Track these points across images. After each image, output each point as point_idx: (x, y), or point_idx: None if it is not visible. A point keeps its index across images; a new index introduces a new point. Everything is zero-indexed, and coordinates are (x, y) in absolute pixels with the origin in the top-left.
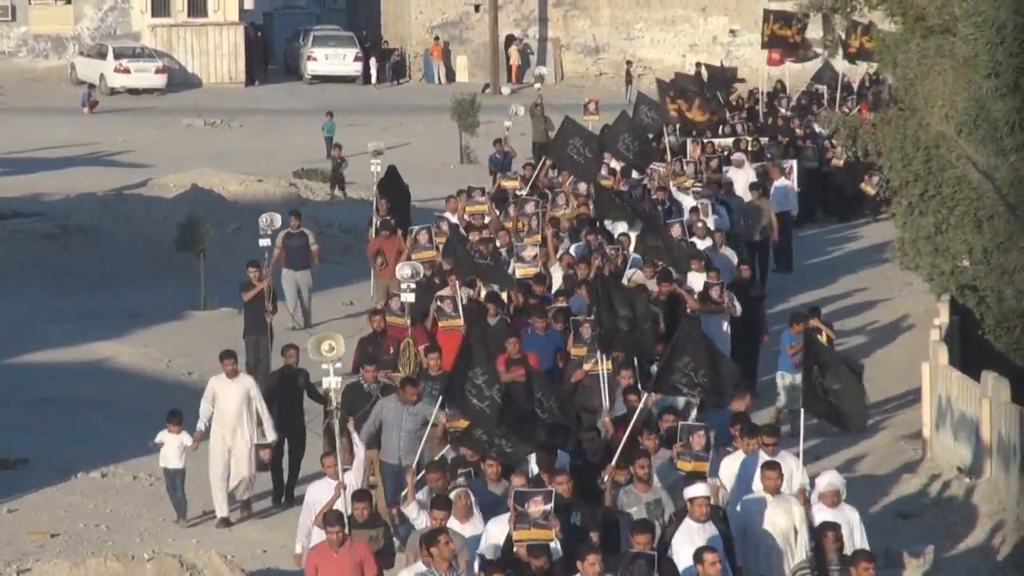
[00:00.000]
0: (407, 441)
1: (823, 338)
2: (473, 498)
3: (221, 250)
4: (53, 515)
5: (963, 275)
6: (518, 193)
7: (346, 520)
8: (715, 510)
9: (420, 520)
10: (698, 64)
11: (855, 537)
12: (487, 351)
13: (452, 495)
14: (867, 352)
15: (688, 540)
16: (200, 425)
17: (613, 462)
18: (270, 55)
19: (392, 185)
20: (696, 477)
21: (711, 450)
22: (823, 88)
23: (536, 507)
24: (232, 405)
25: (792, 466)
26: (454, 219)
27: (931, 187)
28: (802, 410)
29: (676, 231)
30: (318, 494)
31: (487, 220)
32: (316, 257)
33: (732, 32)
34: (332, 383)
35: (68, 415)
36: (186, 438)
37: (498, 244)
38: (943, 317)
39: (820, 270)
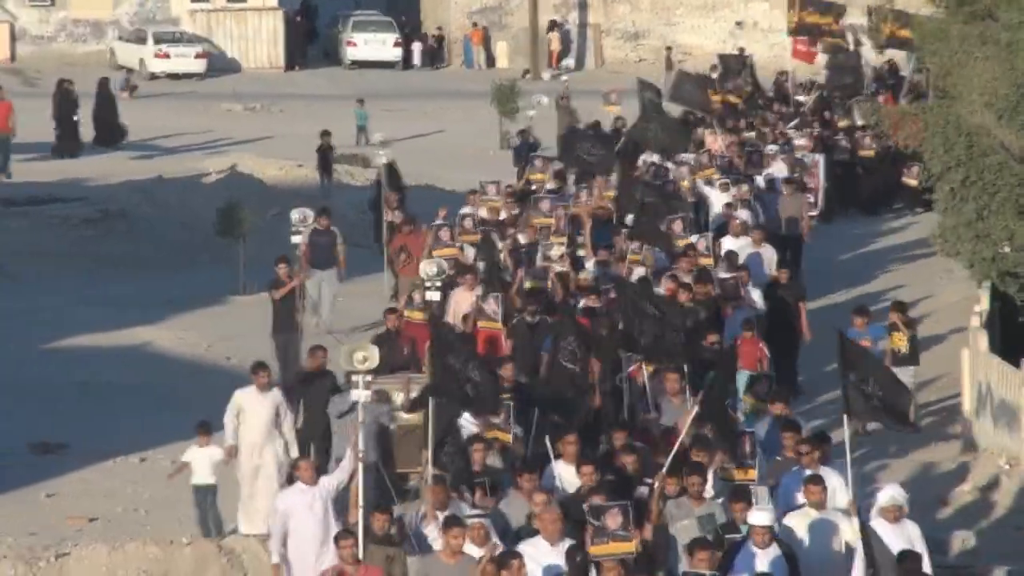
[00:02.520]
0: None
1: (903, 336)
2: (490, 526)
3: (260, 235)
4: (92, 500)
5: (1004, 261)
6: (548, 187)
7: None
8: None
9: (439, 542)
10: (740, 50)
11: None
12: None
13: (471, 524)
14: None
15: (748, 568)
16: (230, 439)
17: (664, 470)
18: (315, 37)
19: (392, 182)
20: (745, 491)
21: (757, 456)
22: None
23: (614, 520)
24: (262, 421)
25: (835, 483)
26: (483, 213)
27: (972, 173)
28: (845, 419)
29: (678, 227)
30: (289, 502)
31: (502, 216)
32: (342, 261)
33: (738, 24)
34: (361, 396)
35: (107, 400)
36: (216, 452)
37: (522, 241)
38: (983, 303)
39: (856, 264)
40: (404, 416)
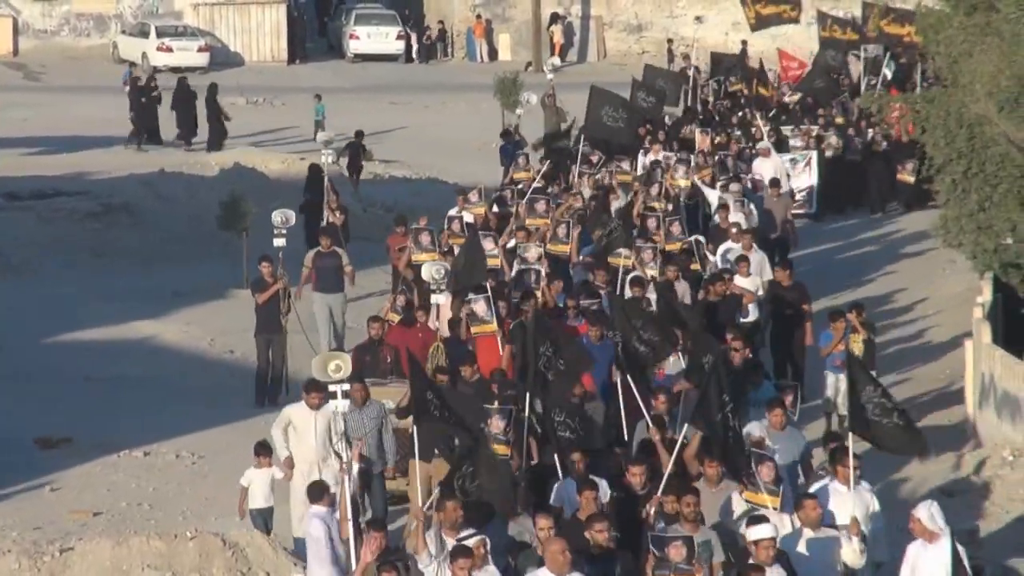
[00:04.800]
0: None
1: (860, 338)
2: (489, 545)
3: (263, 229)
4: (96, 494)
5: (1006, 253)
6: (533, 185)
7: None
8: (780, 554)
9: (431, 569)
10: (743, 43)
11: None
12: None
13: (471, 543)
14: (907, 329)
15: None
16: (283, 452)
17: (659, 491)
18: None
19: (316, 185)
20: (761, 517)
21: (782, 484)
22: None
23: (677, 553)
24: (316, 438)
25: (868, 499)
26: (469, 218)
27: (974, 165)
28: (850, 437)
29: (676, 229)
30: (323, 529)
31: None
32: (350, 279)
33: (698, 19)
34: (340, 407)
35: (111, 394)
36: (276, 472)
37: (514, 243)
38: (986, 295)
39: (854, 264)
40: (395, 420)
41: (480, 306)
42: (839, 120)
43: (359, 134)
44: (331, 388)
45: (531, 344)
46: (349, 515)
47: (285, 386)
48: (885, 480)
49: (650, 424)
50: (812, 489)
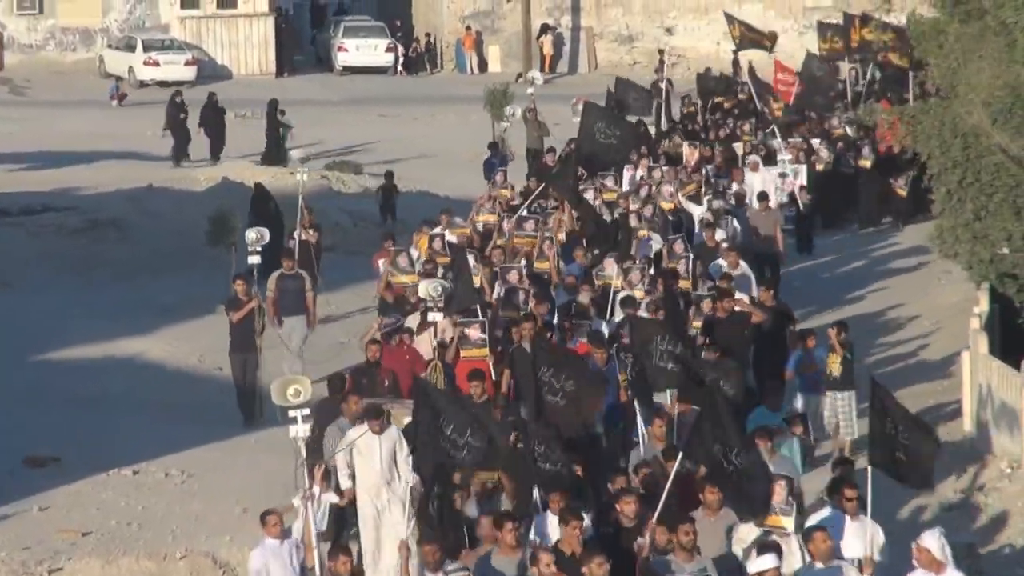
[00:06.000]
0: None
1: (837, 358)
2: None
3: None
4: (84, 513)
5: (1002, 263)
6: (513, 203)
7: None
8: None
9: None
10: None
11: None
12: (445, 396)
13: None
14: (904, 341)
15: None
16: (346, 481)
17: (654, 519)
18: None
19: (261, 206)
20: (771, 544)
21: (793, 505)
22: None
23: None
24: (381, 461)
25: (873, 530)
26: (452, 238)
27: (970, 174)
28: (869, 470)
29: (679, 247)
30: (261, 561)
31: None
32: (311, 306)
33: (668, 30)
34: (300, 432)
35: (99, 412)
36: (331, 498)
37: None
38: (983, 305)
39: (847, 278)
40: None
41: (474, 330)
42: (839, 132)
43: (389, 175)
44: (290, 413)
45: (531, 368)
46: (314, 542)
47: (259, 406)
48: (877, 491)
49: (661, 457)
50: (814, 518)
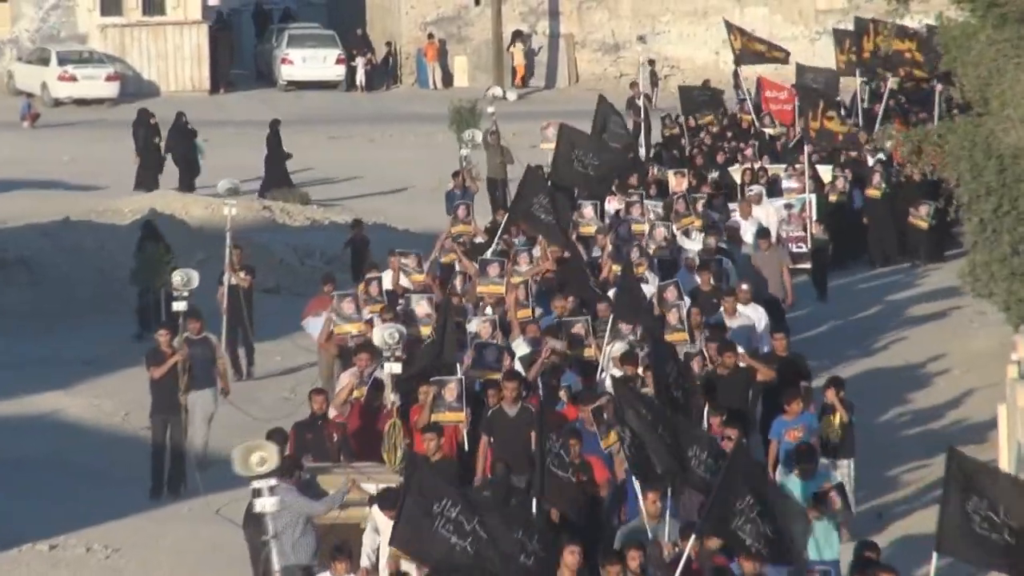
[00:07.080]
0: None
1: (836, 419)
2: None
3: None
4: None
5: None
6: (476, 241)
7: None
8: None
9: None
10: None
11: None
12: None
13: None
14: (934, 393)
15: None
16: (368, 560)
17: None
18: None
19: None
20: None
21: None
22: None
23: None
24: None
25: None
26: (406, 282)
27: (1006, 201)
28: (934, 556)
29: (671, 295)
30: None
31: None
32: (223, 376)
33: (640, 38)
34: (267, 506)
35: (10, 478)
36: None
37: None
38: (1021, 352)
39: (862, 324)
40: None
41: (450, 391)
42: (871, 158)
43: (357, 223)
44: (254, 485)
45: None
46: None
47: (184, 474)
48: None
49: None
50: None
